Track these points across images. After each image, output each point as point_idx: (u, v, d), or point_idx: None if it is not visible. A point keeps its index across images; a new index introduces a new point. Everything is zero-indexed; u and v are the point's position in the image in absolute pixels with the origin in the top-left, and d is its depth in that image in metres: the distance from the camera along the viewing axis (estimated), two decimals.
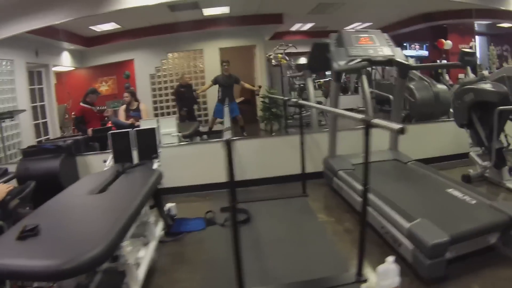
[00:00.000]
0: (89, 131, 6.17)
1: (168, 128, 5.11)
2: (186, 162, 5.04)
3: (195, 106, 8.24)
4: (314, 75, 7.52)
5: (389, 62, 4.16)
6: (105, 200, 2.61)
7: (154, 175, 3.22)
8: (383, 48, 4.23)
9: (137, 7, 5.12)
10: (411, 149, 4.80)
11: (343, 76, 9.12)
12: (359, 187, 3.49)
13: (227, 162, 2.09)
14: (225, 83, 7.26)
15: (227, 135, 2.03)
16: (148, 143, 3.83)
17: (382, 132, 4.50)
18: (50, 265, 1.67)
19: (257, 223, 3.84)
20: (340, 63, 4.05)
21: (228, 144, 1.99)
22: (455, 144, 5.28)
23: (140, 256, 2.78)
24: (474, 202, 2.99)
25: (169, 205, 3.88)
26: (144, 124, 4.89)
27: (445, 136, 5.42)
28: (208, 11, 7.16)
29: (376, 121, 2.22)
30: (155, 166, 3.64)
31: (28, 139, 6.78)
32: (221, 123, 7.30)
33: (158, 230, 3.36)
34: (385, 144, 4.80)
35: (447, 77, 7.64)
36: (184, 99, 7.93)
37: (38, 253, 1.78)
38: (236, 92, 7.85)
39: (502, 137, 4.39)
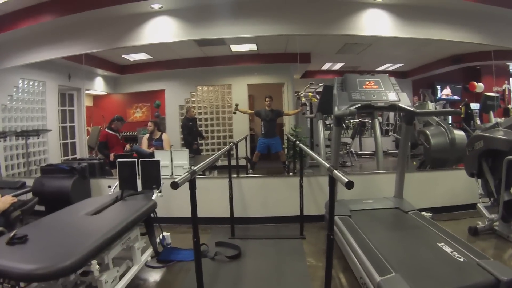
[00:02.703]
0: (111, 156, 6.59)
1: (180, 161, 5.42)
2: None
3: (202, 141, 8.46)
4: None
5: (392, 107, 4.13)
6: (95, 221, 3.00)
7: (148, 204, 3.52)
8: (388, 93, 4.26)
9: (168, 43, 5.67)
10: (422, 196, 4.90)
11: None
12: (349, 235, 3.54)
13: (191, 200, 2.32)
14: (267, 117, 7.50)
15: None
16: (152, 173, 4.11)
17: (392, 178, 4.63)
18: (25, 268, 2.11)
19: (245, 260, 4.02)
20: (341, 108, 4.08)
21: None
22: (468, 193, 5.19)
23: (116, 276, 3.03)
24: (462, 259, 2.83)
25: (164, 234, 4.13)
26: (158, 155, 5.25)
27: (458, 185, 5.37)
28: (236, 48, 7.45)
29: (336, 173, 2.38)
30: (154, 196, 3.92)
31: (55, 156, 7.35)
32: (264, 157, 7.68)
33: (145, 255, 3.65)
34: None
35: (478, 121, 7.63)
36: (192, 133, 8.14)
37: (20, 258, 2.23)
38: None
39: None
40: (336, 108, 4.18)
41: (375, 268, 2.79)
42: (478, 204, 4.64)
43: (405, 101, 4.22)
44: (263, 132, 7.62)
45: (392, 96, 4.26)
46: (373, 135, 9.38)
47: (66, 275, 2.28)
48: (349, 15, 5.46)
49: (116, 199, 3.63)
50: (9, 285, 2.48)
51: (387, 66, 8.45)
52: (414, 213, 4.16)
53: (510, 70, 8.09)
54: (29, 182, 4.97)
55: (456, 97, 8.69)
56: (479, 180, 4.66)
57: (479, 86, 7.99)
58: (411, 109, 4.17)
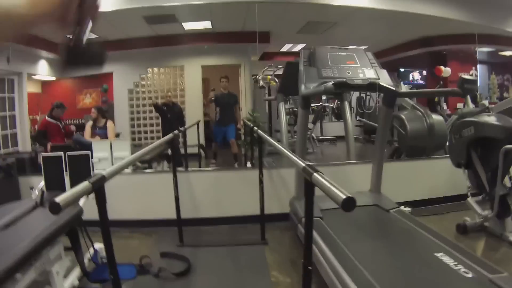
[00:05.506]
0: (48, 147, 5.73)
1: (120, 152, 4.53)
2: (136, 193, 4.44)
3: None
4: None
5: (371, 86, 3.27)
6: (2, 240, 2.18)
7: (72, 212, 2.60)
8: (365, 70, 3.51)
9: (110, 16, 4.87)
10: (399, 189, 4.22)
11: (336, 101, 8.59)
12: (323, 245, 2.75)
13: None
14: (224, 101, 6.60)
15: None
16: (82, 170, 3.35)
17: (367, 167, 3.89)
18: None
19: (195, 278, 3.17)
20: (308, 86, 3.31)
21: None
22: (450, 184, 4.59)
23: None
24: (470, 275, 2.22)
25: (96, 247, 3.15)
26: (95, 146, 4.57)
27: (439, 175, 4.74)
28: (188, 26, 6.84)
29: (319, 179, 1.52)
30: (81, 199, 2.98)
31: None
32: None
33: (70, 279, 2.70)
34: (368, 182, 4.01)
35: (445, 106, 7.24)
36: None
37: None
38: None
39: (506, 180, 3.64)
40: (303, 87, 3.37)
41: None
42: (468, 199, 3.92)
43: (385, 80, 3.45)
44: (218, 119, 6.71)
45: (370, 73, 3.49)
46: (334, 120, 8.86)
47: None
48: None
49: (36, 205, 2.69)
50: None
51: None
52: (396, 212, 3.48)
53: (477, 56, 7.75)
54: None
55: (421, 82, 8.45)
56: (466, 171, 3.98)
57: (446, 71, 7.71)
58: (394, 89, 3.39)
